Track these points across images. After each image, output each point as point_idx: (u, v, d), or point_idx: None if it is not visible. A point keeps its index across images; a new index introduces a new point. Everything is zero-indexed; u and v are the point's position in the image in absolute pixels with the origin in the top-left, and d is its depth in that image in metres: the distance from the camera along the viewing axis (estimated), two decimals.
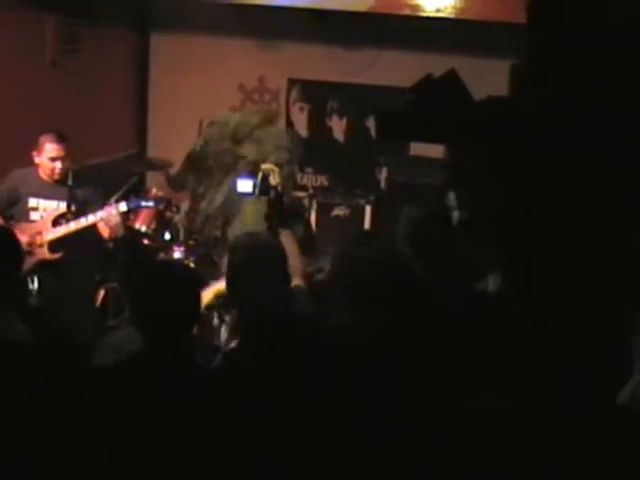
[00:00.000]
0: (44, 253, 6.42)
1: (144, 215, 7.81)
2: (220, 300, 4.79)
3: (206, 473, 3.35)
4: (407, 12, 8.06)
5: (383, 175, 9.04)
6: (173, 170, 8.66)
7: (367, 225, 8.81)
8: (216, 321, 7.31)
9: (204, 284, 7.14)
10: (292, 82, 9.69)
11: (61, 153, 6.42)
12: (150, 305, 3.52)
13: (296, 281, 4.12)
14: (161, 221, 7.95)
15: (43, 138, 6.42)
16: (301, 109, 9.79)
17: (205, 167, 8.17)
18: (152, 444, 3.31)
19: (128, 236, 7.41)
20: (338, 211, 8.96)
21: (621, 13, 3.51)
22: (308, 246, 5.09)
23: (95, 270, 7.38)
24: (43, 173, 6.47)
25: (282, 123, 9.75)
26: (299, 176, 9.56)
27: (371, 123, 9.29)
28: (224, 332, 6.08)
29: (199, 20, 9.28)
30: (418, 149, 8.72)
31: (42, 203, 6.50)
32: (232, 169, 7.74)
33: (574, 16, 3.53)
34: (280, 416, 3.34)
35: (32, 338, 4.05)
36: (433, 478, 3.33)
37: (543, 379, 3.44)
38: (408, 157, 8.99)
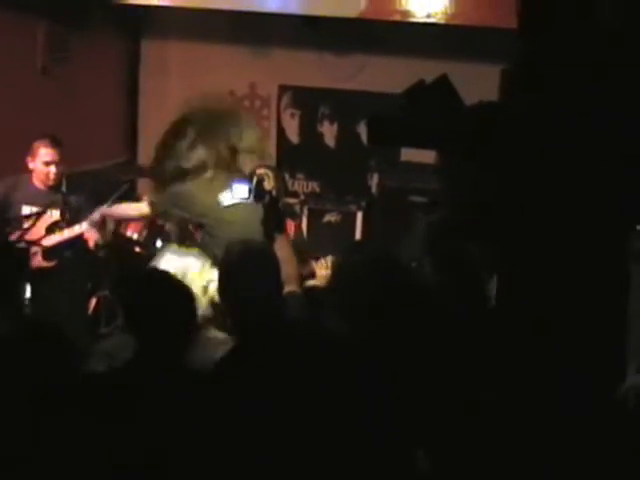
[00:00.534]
0: (38, 261, 6.39)
1: (135, 223, 7.81)
2: None
3: (199, 477, 3.35)
4: (397, 18, 8.07)
5: (374, 181, 9.05)
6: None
7: (358, 231, 8.82)
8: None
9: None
10: (283, 88, 9.70)
11: (55, 157, 6.40)
12: (142, 313, 3.52)
13: (290, 287, 4.12)
14: (152, 228, 7.95)
15: (37, 143, 6.40)
16: (292, 115, 9.79)
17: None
18: (146, 450, 3.31)
19: (119, 244, 7.41)
20: (329, 217, 8.95)
21: (612, 17, 3.52)
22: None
23: (87, 278, 7.36)
24: (37, 179, 6.44)
25: (273, 131, 9.79)
26: (290, 182, 9.59)
27: (362, 129, 9.30)
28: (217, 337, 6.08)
29: (190, 27, 9.28)
30: (409, 154, 8.72)
31: (35, 211, 6.46)
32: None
33: (565, 21, 3.54)
34: (275, 422, 3.33)
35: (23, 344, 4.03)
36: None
37: (539, 380, 3.45)
38: (399, 163, 9.00)
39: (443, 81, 4.07)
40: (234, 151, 5.57)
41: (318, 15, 8.37)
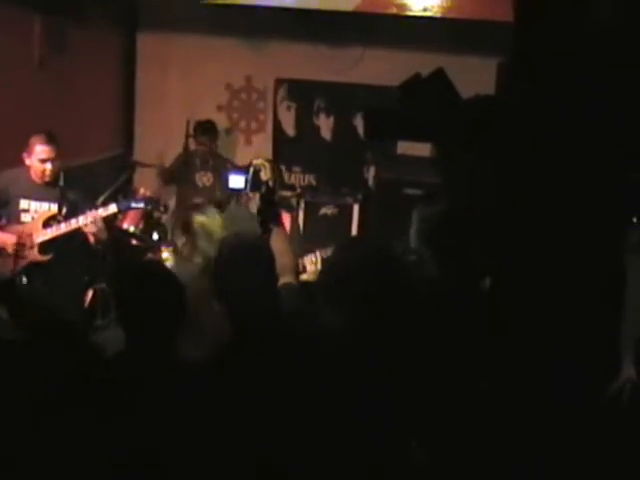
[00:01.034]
0: (34, 255, 6.40)
1: (132, 215, 7.82)
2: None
3: (193, 472, 3.35)
4: (393, 11, 8.07)
5: (371, 174, 9.05)
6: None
7: (355, 223, 8.83)
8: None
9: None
10: (279, 81, 9.70)
11: (51, 155, 6.38)
12: (134, 306, 3.53)
13: (286, 278, 4.12)
14: (149, 221, 7.96)
15: (33, 139, 6.39)
16: (288, 108, 9.80)
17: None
18: (139, 443, 3.31)
19: (116, 237, 7.41)
20: (326, 210, 8.96)
21: (607, 10, 3.53)
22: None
23: (84, 271, 7.37)
24: (34, 174, 6.44)
25: (269, 124, 9.81)
26: (286, 175, 9.60)
27: (358, 121, 9.31)
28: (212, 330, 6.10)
29: (186, 20, 9.28)
30: (405, 147, 8.74)
31: (33, 205, 6.46)
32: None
33: (561, 14, 3.54)
34: (271, 414, 3.34)
35: (19, 336, 4.04)
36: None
37: (535, 371, 3.46)
38: (395, 155, 9.01)
39: (439, 74, 4.07)
40: None
41: (314, 8, 8.37)
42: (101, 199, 7.45)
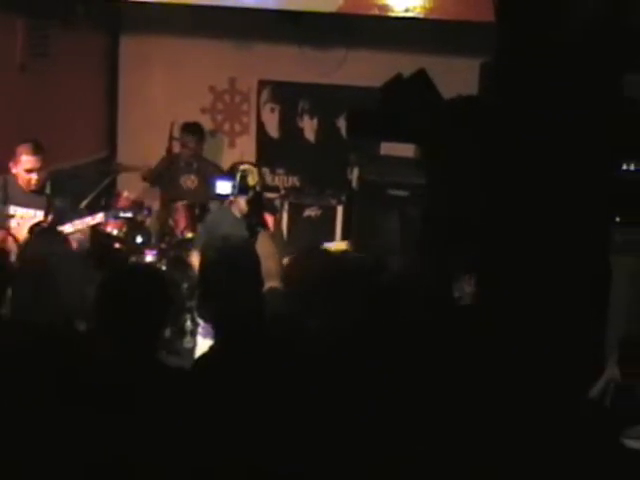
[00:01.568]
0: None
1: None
2: None
3: (177, 475, 3.35)
4: (376, 12, 8.05)
5: (354, 175, 9.05)
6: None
7: (339, 225, 8.83)
8: (189, 324, 7.32)
9: (174, 287, 7.13)
10: (263, 83, 9.69)
11: (36, 165, 6.40)
12: (117, 309, 3.51)
13: (271, 282, 4.11)
14: (132, 224, 7.93)
15: (20, 149, 6.41)
16: (272, 110, 9.79)
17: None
18: (123, 445, 3.30)
19: (100, 241, 7.39)
20: (310, 212, 8.96)
21: (589, 11, 3.54)
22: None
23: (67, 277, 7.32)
24: (21, 182, 6.45)
25: (253, 126, 9.80)
26: (270, 177, 9.59)
27: (342, 123, 9.30)
28: (196, 335, 6.08)
29: (169, 22, 9.25)
30: (389, 148, 8.74)
31: (19, 211, 6.47)
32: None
33: (542, 14, 3.55)
34: (254, 419, 3.34)
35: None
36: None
37: (517, 375, 3.47)
38: (379, 156, 9.01)
39: (421, 75, 4.09)
40: None
41: (297, 10, 8.36)
42: (84, 203, 7.44)
